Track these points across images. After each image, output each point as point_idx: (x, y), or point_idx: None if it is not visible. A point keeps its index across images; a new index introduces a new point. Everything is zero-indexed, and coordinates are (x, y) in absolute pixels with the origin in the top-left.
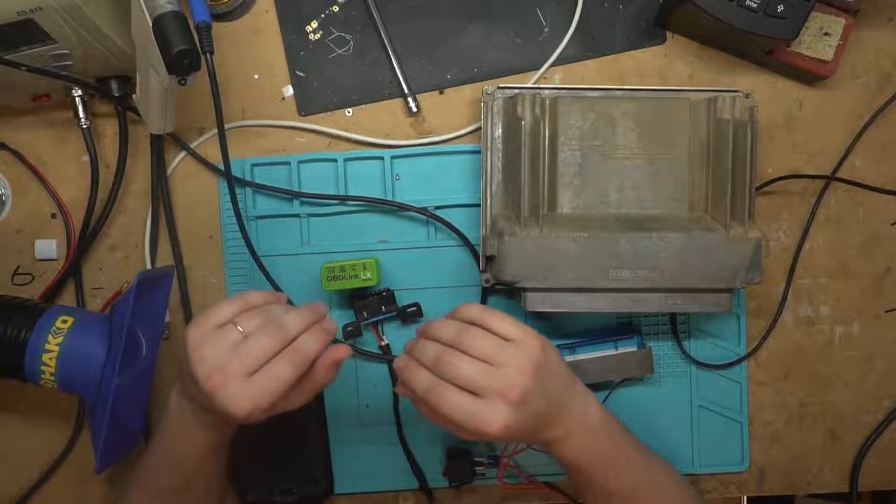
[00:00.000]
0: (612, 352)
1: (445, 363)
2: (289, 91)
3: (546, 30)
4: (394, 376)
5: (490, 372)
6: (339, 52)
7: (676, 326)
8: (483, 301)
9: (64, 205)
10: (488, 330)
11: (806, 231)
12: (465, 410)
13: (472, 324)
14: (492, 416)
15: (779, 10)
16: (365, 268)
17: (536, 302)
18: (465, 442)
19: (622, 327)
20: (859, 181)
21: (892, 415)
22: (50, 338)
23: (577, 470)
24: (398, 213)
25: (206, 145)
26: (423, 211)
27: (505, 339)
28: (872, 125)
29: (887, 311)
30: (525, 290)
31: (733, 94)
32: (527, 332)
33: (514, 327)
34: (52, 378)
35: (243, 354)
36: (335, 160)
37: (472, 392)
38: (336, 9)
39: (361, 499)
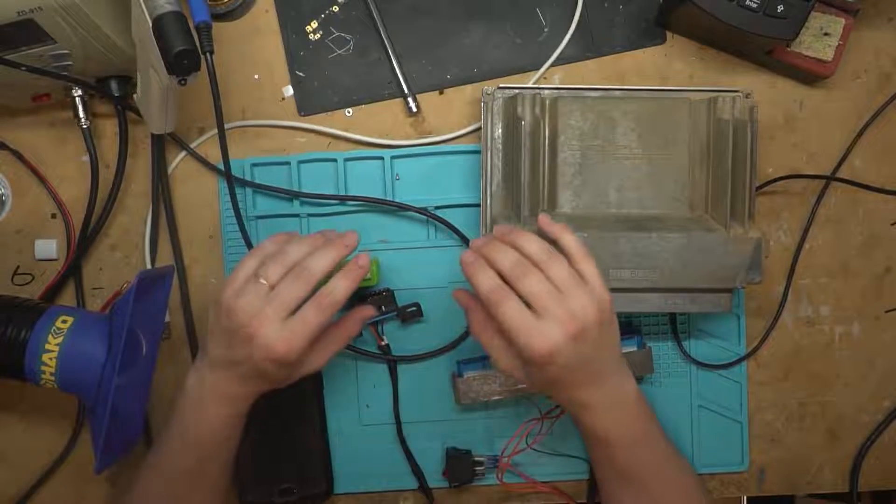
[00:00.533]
0: None
1: (521, 273)
2: (289, 91)
3: (546, 30)
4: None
5: (559, 298)
6: (339, 52)
7: (676, 326)
8: None
9: (64, 205)
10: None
11: (806, 231)
12: (524, 321)
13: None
14: (546, 335)
15: (779, 10)
16: None
17: None
18: (465, 442)
19: (622, 327)
20: (859, 181)
21: (892, 415)
22: (50, 338)
23: (603, 443)
24: (398, 213)
25: (207, 145)
26: (423, 211)
27: (584, 280)
28: (872, 125)
29: (887, 311)
30: None
31: (733, 94)
32: (605, 288)
33: (597, 277)
34: (52, 378)
35: (275, 302)
36: (335, 160)
37: (534, 311)
38: (336, 9)
39: (361, 499)
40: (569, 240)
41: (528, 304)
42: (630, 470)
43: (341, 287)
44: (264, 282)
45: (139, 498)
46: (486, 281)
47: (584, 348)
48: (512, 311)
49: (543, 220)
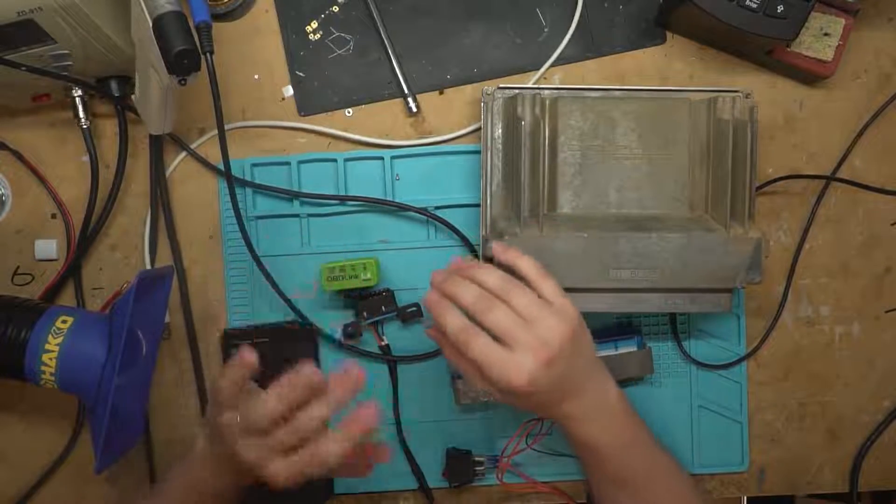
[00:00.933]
0: (612, 352)
1: (485, 308)
2: (289, 91)
3: (546, 30)
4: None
5: (526, 327)
6: (339, 52)
7: (676, 326)
8: None
9: (64, 205)
10: (534, 289)
11: (806, 231)
12: (495, 357)
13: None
14: (520, 367)
15: (779, 11)
16: (365, 268)
17: None
18: (465, 442)
19: (622, 327)
20: (859, 181)
21: (892, 415)
22: (50, 338)
23: (591, 451)
24: (398, 213)
25: (207, 145)
26: (423, 211)
27: (547, 301)
28: (872, 125)
29: (887, 311)
30: None
31: (733, 94)
32: (567, 301)
33: (559, 293)
34: (52, 378)
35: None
36: (335, 160)
37: (503, 343)
38: (336, 9)
39: (361, 499)
40: (523, 264)
41: (497, 339)
42: (622, 475)
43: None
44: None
45: None
46: (453, 321)
47: (559, 369)
48: (482, 348)
49: (497, 248)
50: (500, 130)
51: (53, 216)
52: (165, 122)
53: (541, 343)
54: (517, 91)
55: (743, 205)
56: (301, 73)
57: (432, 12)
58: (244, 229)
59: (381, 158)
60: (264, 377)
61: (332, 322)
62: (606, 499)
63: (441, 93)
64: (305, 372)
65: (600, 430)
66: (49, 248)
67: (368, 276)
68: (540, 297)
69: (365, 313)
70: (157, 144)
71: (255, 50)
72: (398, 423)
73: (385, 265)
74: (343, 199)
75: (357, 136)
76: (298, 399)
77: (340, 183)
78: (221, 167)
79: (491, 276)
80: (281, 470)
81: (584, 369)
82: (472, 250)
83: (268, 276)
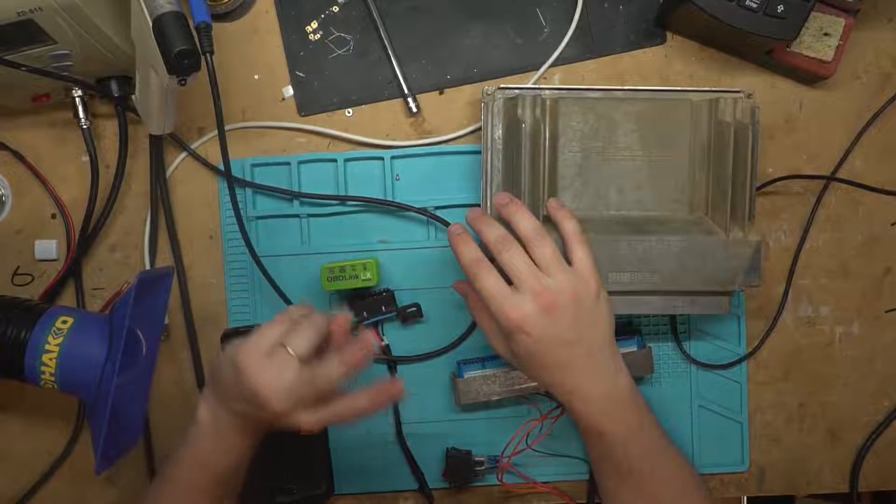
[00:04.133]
0: None
1: (503, 248)
2: (289, 91)
3: (546, 30)
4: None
5: (536, 275)
6: (339, 52)
7: (676, 327)
8: None
9: (64, 205)
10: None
11: (806, 231)
12: (498, 291)
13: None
14: (517, 304)
15: (779, 11)
16: (365, 268)
17: None
18: (465, 442)
19: (622, 327)
20: (859, 181)
21: (892, 415)
22: (50, 338)
23: (598, 436)
24: (398, 214)
25: (207, 146)
26: (423, 211)
27: (571, 264)
28: (872, 125)
29: (887, 311)
30: None
31: (735, 94)
32: (593, 274)
33: (587, 262)
34: (52, 378)
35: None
36: (335, 160)
37: (512, 285)
38: (336, 9)
39: (361, 499)
40: (568, 225)
41: (508, 280)
42: (627, 465)
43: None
44: (291, 353)
45: None
46: (468, 253)
47: (558, 324)
48: (488, 281)
49: (552, 203)
50: (500, 131)
51: (53, 216)
52: (165, 122)
53: (543, 289)
54: (517, 91)
55: (743, 207)
56: (301, 74)
57: (432, 12)
58: (244, 229)
59: (381, 159)
60: None
61: None
62: (611, 491)
63: (441, 93)
64: (367, 339)
65: (606, 416)
66: (49, 248)
67: (368, 276)
68: (569, 259)
69: (365, 313)
70: (158, 145)
71: (255, 50)
72: (398, 423)
73: (385, 265)
74: (343, 199)
75: (357, 137)
76: (359, 365)
77: (340, 183)
78: (221, 167)
79: (525, 220)
80: (313, 422)
81: (593, 348)
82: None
83: (268, 276)
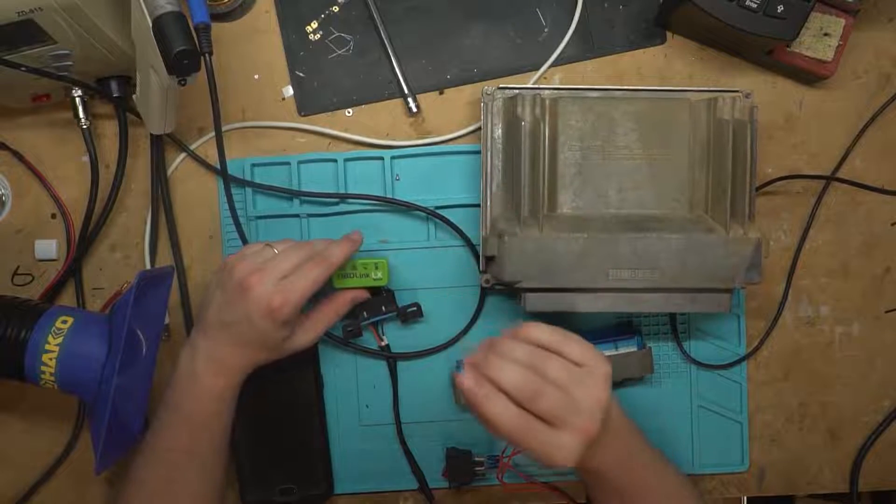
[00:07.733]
0: (612, 352)
1: (531, 393)
2: (289, 91)
3: (546, 30)
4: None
5: (571, 406)
6: (339, 52)
7: (676, 326)
8: (481, 301)
9: (64, 205)
10: (559, 354)
11: (806, 231)
12: (545, 441)
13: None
14: (568, 450)
15: (779, 11)
16: (376, 267)
17: (536, 302)
18: (465, 442)
19: (622, 327)
20: (859, 181)
21: (892, 415)
22: (50, 338)
23: (593, 471)
24: (399, 213)
25: (207, 146)
26: (425, 209)
27: (576, 363)
28: (872, 125)
29: (887, 312)
30: (525, 290)
31: (733, 94)
32: (596, 356)
33: (587, 352)
34: (52, 378)
35: (275, 261)
36: (335, 160)
37: (549, 421)
38: (336, 9)
39: (361, 499)
40: (532, 331)
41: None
42: (620, 486)
43: (336, 251)
44: (274, 249)
45: (134, 480)
46: (507, 414)
47: (599, 435)
48: (538, 440)
49: (506, 332)
50: (500, 131)
51: (53, 216)
52: (166, 122)
53: (590, 421)
54: (517, 91)
55: (743, 205)
56: (301, 73)
57: (432, 12)
58: (241, 229)
59: (381, 158)
60: (263, 377)
61: None
62: None
63: (441, 93)
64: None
65: (603, 452)
66: (49, 248)
67: (380, 275)
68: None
69: (365, 313)
70: (158, 144)
71: (255, 50)
72: (398, 423)
73: None
74: (343, 198)
75: (357, 137)
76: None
77: (340, 183)
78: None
79: (517, 351)
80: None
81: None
82: (473, 250)
83: None
